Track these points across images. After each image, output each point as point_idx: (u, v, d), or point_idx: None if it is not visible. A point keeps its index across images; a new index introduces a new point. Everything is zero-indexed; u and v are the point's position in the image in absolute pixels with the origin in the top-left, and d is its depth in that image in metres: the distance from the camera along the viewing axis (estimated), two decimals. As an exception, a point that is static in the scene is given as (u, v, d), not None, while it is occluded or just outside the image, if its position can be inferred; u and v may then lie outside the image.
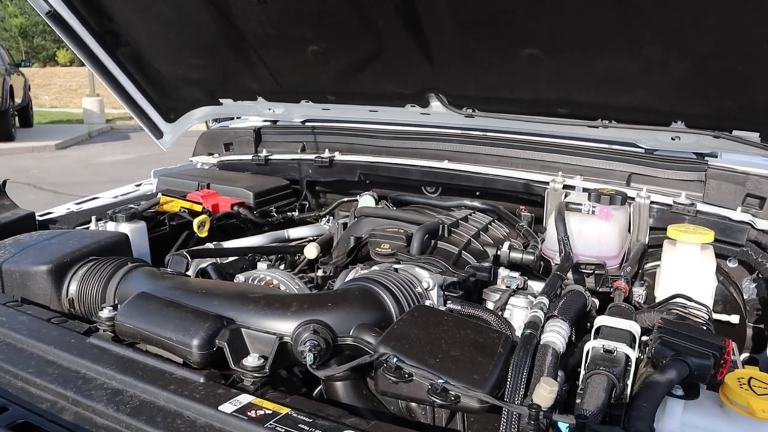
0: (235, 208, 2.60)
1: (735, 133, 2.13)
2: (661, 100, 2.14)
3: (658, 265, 2.17)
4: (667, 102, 2.14)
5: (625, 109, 2.27)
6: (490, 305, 1.70)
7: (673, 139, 2.30)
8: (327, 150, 2.94)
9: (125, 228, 2.16)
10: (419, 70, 2.44)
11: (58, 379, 1.29)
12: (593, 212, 2.07)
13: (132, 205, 2.39)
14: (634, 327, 1.37)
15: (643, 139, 2.41)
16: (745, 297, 2.13)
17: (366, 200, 2.50)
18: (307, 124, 3.15)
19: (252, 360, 1.29)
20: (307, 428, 1.10)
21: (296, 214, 2.84)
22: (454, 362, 1.22)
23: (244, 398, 1.19)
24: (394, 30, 2.26)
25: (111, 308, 1.52)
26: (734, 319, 1.98)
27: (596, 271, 2.00)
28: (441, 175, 2.67)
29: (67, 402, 1.24)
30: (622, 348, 1.27)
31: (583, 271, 1.98)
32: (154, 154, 11.05)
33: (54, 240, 1.91)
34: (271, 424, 1.11)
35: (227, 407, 1.16)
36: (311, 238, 2.55)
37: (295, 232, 2.50)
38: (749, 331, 2.05)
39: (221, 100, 3.09)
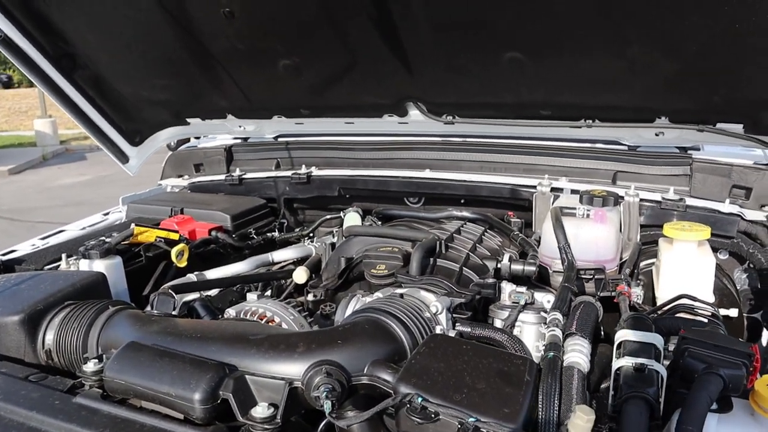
0: (213, 233, 2.48)
1: (719, 125, 2.12)
2: (646, 98, 2.11)
3: (653, 264, 2.15)
4: (651, 100, 2.12)
5: (609, 109, 2.24)
6: (498, 323, 1.64)
7: (657, 135, 2.28)
8: (303, 165, 2.84)
9: (100, 265, 2.02)
10: (396, 79, 2.37)
11: (45, 450, 1.17)
12: (588, 216, 2.03)
13: (103, 238, 2.25)
14: (657, 339, 1.33)
15: (627, 136, 2.38)
16: (738, 288, 2.12)
17: (351, 217, 2.41)
18: (280, 139, 3.04)
19: (261, 410, 1.19)
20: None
21: (276, 234, 2.73)
22: (482, 396, 1.15)
23: (263, 455, 1.10)
24: (370, 40, 2.18)
25: (96, 361, 1.40)
26: (733, 312, 1.97)
27: (596, 276, 1.96)
28: (424, 185, 2.60)
29: (58, 475, 1.12)
30: (653, 365, 1.21)
31: (582, 276, 1.94)
32: (113, 174, 10.73)
33: (23, 285, 1.77)
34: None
35: (247, 468, 1.06)
36: (295, 260, 2.44)
37: (279, 255, 2.39)
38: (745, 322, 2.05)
39: (188, 120, 2.95)
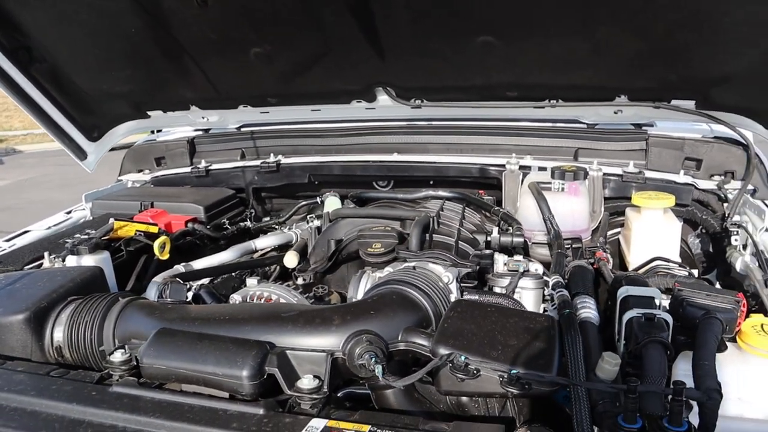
0: (190, 225, 2.46)
1: (673, 102, 2.31)
2: (609, 77, 2.27)
3: (618, 233, 2.33)
4: (613, 79, 2.28)
5: (572, 88, 2.38)
6: (497, 290, 1.74)
7: (615, 112, 2.45)
8: (272, 154, 2.85)
9: (89, 260, 1.98)
10: (368, 65, 2.42)
11: (93, 439, 1.17)
12: (563, 189, 2.17)
13: (85, 235, 2.20)
14: (657, 293, 1.47)
15: (586, 114, 2.55)
16: (692, 251, 2.33)
17: (332, 201, 2.45)
18: (243, 129, 3.03)
19: (308, 382, 1.24)
20: (400, 441, 1.08)
21: (249, 223, 2.73)
22: (516, 351, 1.24)
23: (318, 423, 1.14)
24: (345, 27, 2.22)
25: (122, 350, 1.40)
26: (694, 272, 2.17)
27: (573, 245, 2.11)
28: (395, 168, 2.67)
29: (116, 461, 1.13)
30: (661, 314, 1.35)
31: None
32: (35, 178, 10.16)
33: (18, 284, 1.71)
34: (362, 444, 1.07)
35: (308, 435, 1.11)
36: (276, 247, 2.46)
37: (261, 243, 2.41)
38: None
39: (149, 113, 2.89)
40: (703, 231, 2.30)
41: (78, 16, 2.32)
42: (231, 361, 1.24)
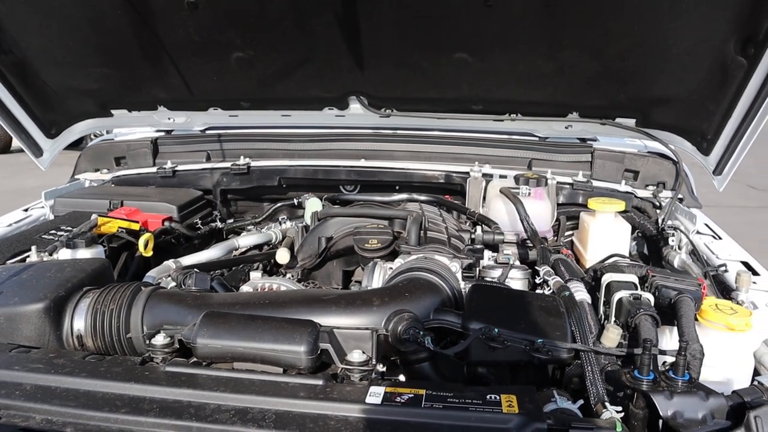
0: (167, 223, 2.47)
1: (617, 120, 2.63)
2: (565, 96, 2.55)
3: (571, 235, 2.61)
4: (569, 96, 2.56)
5: (532, 104, 2.65)
6: (489, 280, 1.94)
7: (566, 127, 2.75)
8: (242, 157, 2.91)
9: (85, 254, 1.96)
10: (347, 74, 2.57)
11: (163, 413, 1.22)
12: (529, 194, 2.41)
13: (63, 231, 2.17)
14: (633, 278, 1.72)
15: (540, 128, 2.83)
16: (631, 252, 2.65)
17: (314, 203, 2.56)
18: (208, 132, 3.06)
19: (358, 356, 1.35)
20: (457, 402, 1.23)
21: (219, 224, 2.78)
22: (535, 325, 1.43)
23: (377, 389, 1.27)
24: (330, 37, 2.36)
25: (164, 334, 1.45)
26: None
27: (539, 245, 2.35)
28: (365, 173, 2.82)
29: (190, 432, 1.20)
30: (645, 294, 1.60)
31: (528, 245, 2.32)
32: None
33: (25, 275, 1.70)
34: (426, 404, 1.21)
35: (374, 399, 1.23)
36: (257, 246, 2.53)
37: (243, 241, 2.47)
38: None
39: (113, 112, 2.86)
40: (640, 234, 2.63)
41: (62, 11, 2.30)
42: (289, 338, 1.34)
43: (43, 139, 2.78)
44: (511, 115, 2.71)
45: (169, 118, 2.94)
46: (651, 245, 2.56)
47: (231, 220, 2.93)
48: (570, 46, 2.27)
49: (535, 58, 2.36)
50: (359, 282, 2.22)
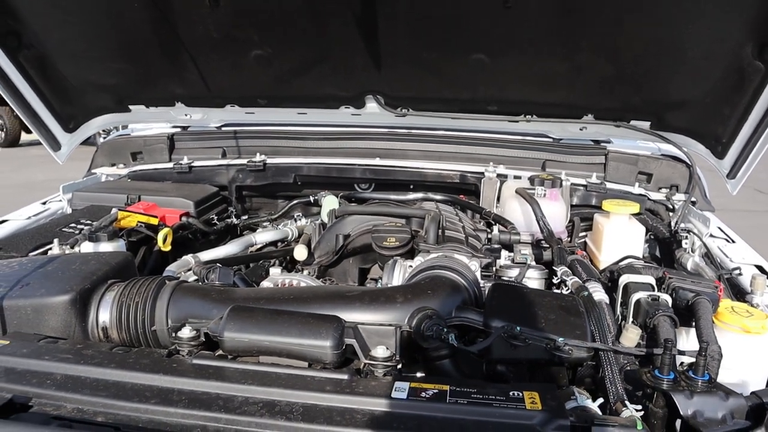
0: (184, 218, 2.50)
1: (632, 122, 2.64)
2: (580, 97, 2.57)
3: (585, 236, 2.62)
4: (584, 98, 2.58)
5: (547, 106, 2.67)
6: (506, 279, 1.96)
7: (581, 129, 2.76)
8: (258, 154, 2.94)
9: (107, 247, 1.99)
10: (364, 73, 2.59)
11: (192, 405, 1.25)
12: (545, 195, 2.43)
13: (82, 224, 2.20)
14: (650, 280, 1.74)
15: (554, 130, 2.84)
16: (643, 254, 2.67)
17: (330, 200, 2.58)
18: (224, 128, 3.08)
19: (382, 351, 1.37)
20: (481, 398, 1.25)
21: (235, 220, 2.80)
22: (556, 324, 1.45)
23: (402, 384, 1.29)
24: (347, 35, 2.38)
25: (190, 328, 1.47)
26: None
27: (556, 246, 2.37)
28: (380, 172, 2.85)
29: (220, 424, 1.21)
30: (663, 296, 1.62)
31: (543, 246, 2.33)
32: None
33: (50, 267, 1.72)
34: (451, 400, 1.23)
35: (399, 394, 1.25)
36: (274, 242, 2.55)
37: (260, 237, 2.49)
38: None
39: (131, 107, 2.89)
40: (652, 236, 2.64)
41: (83, 6, 2.32)
42: (315, 333, 1.36)
43: (62, 133, 2.81)
44: (526, 116, 2.73)
45: (185, 115, 2.96)
46: (663, 248, 2.57)
47: (245, 217, 2.96)
48: (587, 49, 2.29)
49: (551, 60, 2.38)
50: (375, 279, 2.24)
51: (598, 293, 1.66)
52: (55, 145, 2.81)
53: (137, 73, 2.67)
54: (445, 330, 1.39)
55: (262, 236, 2.49)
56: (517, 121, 2.76)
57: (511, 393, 1.26)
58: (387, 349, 1.39)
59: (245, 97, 2.82)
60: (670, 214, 2.65)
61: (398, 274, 1.78)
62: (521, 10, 2.16)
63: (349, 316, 1.46)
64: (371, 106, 2.79)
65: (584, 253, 2.27)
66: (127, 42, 2.49)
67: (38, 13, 2.36)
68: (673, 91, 2.39)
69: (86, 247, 2.00)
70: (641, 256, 2.33)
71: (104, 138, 9.52)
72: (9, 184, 9.05)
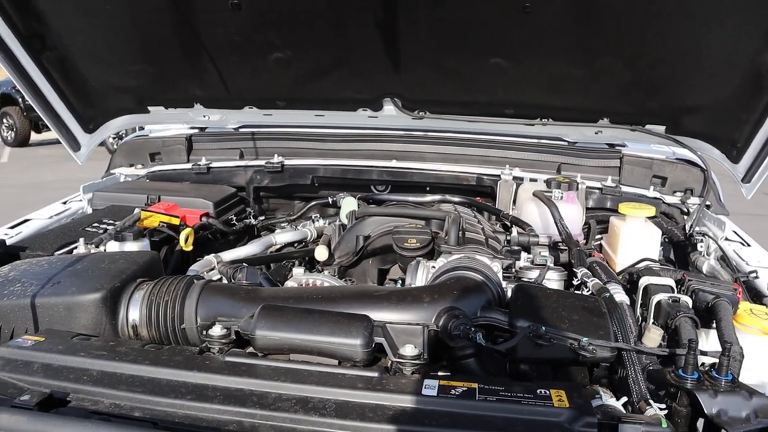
0: (204, 219, 2.53)
1: (647, 126, 2.67)
2: (597, 102, 2.60)
3: (600, 239, 2.65)
4: (601, 103, 2.61)
5: (564, 109, 2.69)
6: (526, 281, 1.98)
7: (596, 133, 2.79)
8: (276, 155, 2.97)
9: (133, 247, 2.03)
10: (382, 76, 2.62)
11: (227, 401, 1.27)
12: (561, 198, 2.46)
13: (105, 224, 2.24)
14: (670, 282, 1.76)
15: (570, 133, 2.87)
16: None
17: (350, 202, 2.61)
18: (241, 130, 3.12)
19: (410, 349, 1.40)
20: (509, 395, 1.27)
21: (253, 221, 2.83)
22: (580, 324, 1.48)
23: (431, 382, 1.32)
24: (368, 39, 2.41)
25: (221, 326, 1.50)
26: None
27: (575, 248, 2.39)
28: (396, 174, 2.87)
29: (255, 420, 1.24)
30: (683, 297, 1.64)
31: (560, 248, 2.36)
32: None
33: (79, 265, 1.76)
34: (480, 397, 1.26)
35: (429, 391, 1.28)
36: (293, 243, 2.59)
37: (280, 238, 2.52)
38: None
39: (150, 108, 2.92)
40: (666, 239, 2.66)
41: (107, 9, 2.36)
42: (345, 331, 1.39)
43: (82, 133, 2.84)
44: (543, 120, 2.75)
45: (204, 116, 3.00)
46: (678, 251, 2.59)
47: (263, 217, 2.99)
48: (605, 54, 2.32)
49: (569, 65, 2.41)
50: (394, 280, 2.27)
51: (619, 294, 1.69)
52: (75, 145, 2.84)
53: (158, 75, 2.70)
54: (473, 329, 1.42)
55: (282, 237, 2.53)
56: (533, 125, 2.79)
57: (538, 391, 1.29)
58: (415, 347, 1.42)
59: (264, 99, 2.85)
60: (685, 217, 2.67)
61: (422, 275, 1.81)
62: (540, 15, 2.19)
63: (377, 315, 1.49)
64: (388, 108, 2.82)
65: (601, 255, 2.29)
66: (148, 44, 2.53)
67: (62, 15, 2.40)
68: (689, 96, 2.41)
69: (112, 246, 2.04)
70: (657, 259, 2.36)
71: (113, 139, 9.49)
72: (19, 183, 9.13)
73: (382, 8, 2.27)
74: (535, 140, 2.94)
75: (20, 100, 12.82)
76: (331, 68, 2.61)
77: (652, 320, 1.67)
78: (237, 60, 2.60)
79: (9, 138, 13.51)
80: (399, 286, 2.08)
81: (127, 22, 2.42)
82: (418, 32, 2.37)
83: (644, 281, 1.77)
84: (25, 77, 2.50)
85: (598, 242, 2.62)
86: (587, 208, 2.71)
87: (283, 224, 2.84)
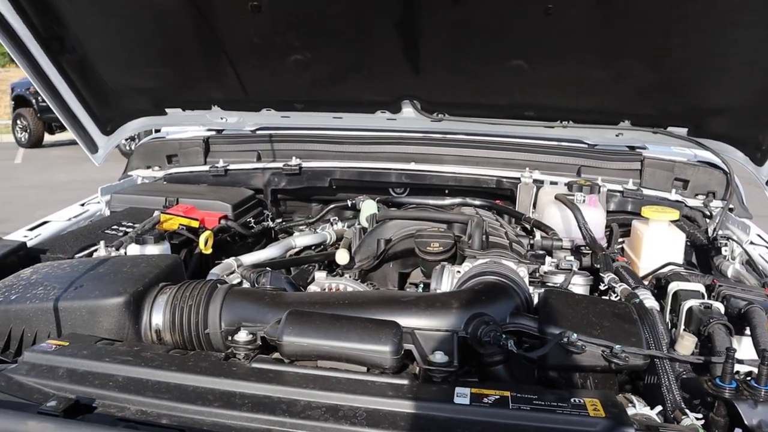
0: (223, 221, 2.52)
1: (669, 129, 2.63)
2: (619, 104, 2.57)
3: (622, 242, 2.61)
4: (622, 105, 2.57)
5: (585, 112, 2.66)
6: (551, 286, 1.95)
7: (617, 135, 2.75)
8: (293, 157, 2.95)
9: (154, 250, 2.02)
10: (402, 78, 2.60)
11: (255, 409, 1.25)
12: (584, 201, 2.43)
13: (124, 227, 2.24)
14: (700, 287, 1.73)
15: (590, 136, 2.83)
16: None
17: (369, 205, 2.58)
18: (259, 132, 3.10)
19: (440, 357, 1.38)
20: (543, 404, 1.25)
21: (271, 223, 2.82)
22: (611, 331, 1.45)
23: (463, 390, 1.29)
24: (388, 41, 2.39)
25: (247, 332, 1.48)
26: None
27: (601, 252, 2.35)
28: (414, 177, 2.85)
29: (284, 428, 1.22)
30: (715, 303, 1.61)
31: (583, 252, 2.33)
32: None
33: (101, 269, 1.74)
34: (513, 406, 1.24)
35: (461, 400, 1.25)
36: (312, 246, 2.57)
37: (299, 241, 2.50)
38: None
39: (167, 110, 2.92)
40: (689, 243, 2.62)
41: (126, 11, 2.35)
42: (374, 338, 1.36)
43: (99, 135, 2.84)
44: (563, 122, 2.72)
45: (221, 118, 2.99)
46: (700, 255, 2.56)
47: (279, 220, 2.97)
48: (627, 56, 2.29)
49: (590, 67, 2.38)
50: (415, 284, 2.24)
51: (649, 300, 1.66)
52: (93, 147, 2.84)
53: (176, 77, 2.70)
54: (504, 336, 1.39)
55: (302, 240, 2.51)
56: (553, 127, 2.76)
57: (572, 399, 1.26)
58: (444, 354, 1.40)
59: (282, 101, 2.84)
60: (707, 220, 2.64)
61: (447, 280, 1.78)
62: (562, 17, 2.17)
63: (405, 321, 1.47)
64: (407, 110, 2.80)
65: (625, 259, 2.25)
66: (167, 46, 2.52)
67: (82, 17, 2.40)
68: (714, 98, 2.38)
69: (132, 249, 2.02)
70: (681, 263, 2.32)
71: (126, 140, 9.53)
72: (33, 184, 9.18)
73: (402, 10, 2.25)
74: (555, 143, 2.91)
75: (34, 101, 12.95)
76: (350, 70, 2.60)
77: (682, 327, 1.64)
78: (256, 62, 2.58)
79: (23, 139, 13.66)
80: (420, 290, 2.06)
81: (146, 24, 2.42)
82: (438, 34, 2.35)
83: (674, 287, 1.74)
84: (44, 79, 2.49)
85: (620, 246, 2.59)
86: (608, 212, 2.68)
87: (301, 227, 2.82)
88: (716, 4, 2.01)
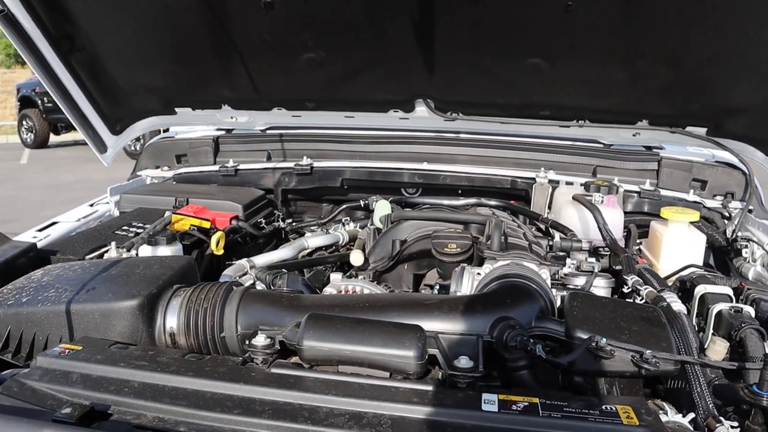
0: (234, 222, 2.48)
1: (687, 128, 2.58)
2: (637, 104, 2.52)
3: (640, 243, 2.56)
4: (640, 105, 2.53)
5: (601, 111, 2.61)
6: (572, 288, 1.91)
7: (633, 135, 2.70)
8: (304, 157, 2.91)
9: (166, 251, 1.98)
10: (415, 77, 2.55)
11: (276, 416, 1.21)
12: (602, 201, 2.38)
13: (134, 227, 2.20)
14: (728, 290, 1.69)
15: (606, 135, 2.79)
16: None
17: (383, 205, 2.54)
18: (269, 131, 3.07)
19: (465, 362, 1.34)
20: (574, 411, 1.21)
21: (282, 224, 2.78)
22: (640, 335, 1.41)
23: (490, 396, 1.25)
24: (403, 40, 2.34)
25: (265, 336, 1.44)
26: None
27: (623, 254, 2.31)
28: (427, 177, 2.81)
29: (308, 436, 1.18)
30: (746, 307, 1.56)
31: (601, 253, 2.28)
32: None
33: (114, 271, 1.71)
34: (544, 413, 1.19)
35: (489, 407, 1.21)
36: (324, 246, 2.53)
37: (312, 242, 2.46)
38: None
39: (177, 109, 2.88)
40: (707, 244, 2.57)
41: (137, 9, 2.32)
42: (398, 343, 1.32)
43: (108, 135, 2.80)
44: (579, 122, 2.68)
45: (231, 117, 2.95)
46: (719, 256, 2.51)
47: (290, 220, 2.94)
48: (647, 55, 2.24)
49: (609, 66, 2.33)
50: (430, 285, 2.20)
51: (676, 304, 1.61)
52: (102, 147, 2.80)
53: (187, 76, 2.66)
54: (531, 341, 1.35)
55: (314, 240, 2.47)
56: (568, 127, 2.71)
57: (603, 407, 1.22)
58: (470, 359, 1.36)
59: (293, 101, 2.80)
60: (725, 222, 2.59)
61: (468, 282, 1.74)
62: (583, 14, 2.12)
63: (428, 324, 1.43)
64: (420, 110, 2.75)
65: (644, 261, 2.21)
66: (178, 45, 2.48)
67: (92, 16, 2.36)
68: (734, 97, 2.33)
69: (144, 250, 1.99)
70: (701, 265, 2.28)
71: (131, 142, 9.49)
72: (39, 184, 9.17)
73: (418, 9, 2.21)
74: (570, 142, 2.86)
75: (40, 102, 12.97)
76: (363, 69, 2.55)
77: (711, 331, 1.60)
78: (268, 61, 2.54)
79: (28, 140, 13.70)
80: (437, 292, 2.02)
81: (156, 22, 2.38)
82: (454, 33, 2.31)
83: (700, 289, 1.69)
84: (53, 78, 2.46)
85: (637, 247, 2.55)
86: (625, 212, 2.63)
87: (313, 227, 2.78)
88: (739, 2, 1.97)
